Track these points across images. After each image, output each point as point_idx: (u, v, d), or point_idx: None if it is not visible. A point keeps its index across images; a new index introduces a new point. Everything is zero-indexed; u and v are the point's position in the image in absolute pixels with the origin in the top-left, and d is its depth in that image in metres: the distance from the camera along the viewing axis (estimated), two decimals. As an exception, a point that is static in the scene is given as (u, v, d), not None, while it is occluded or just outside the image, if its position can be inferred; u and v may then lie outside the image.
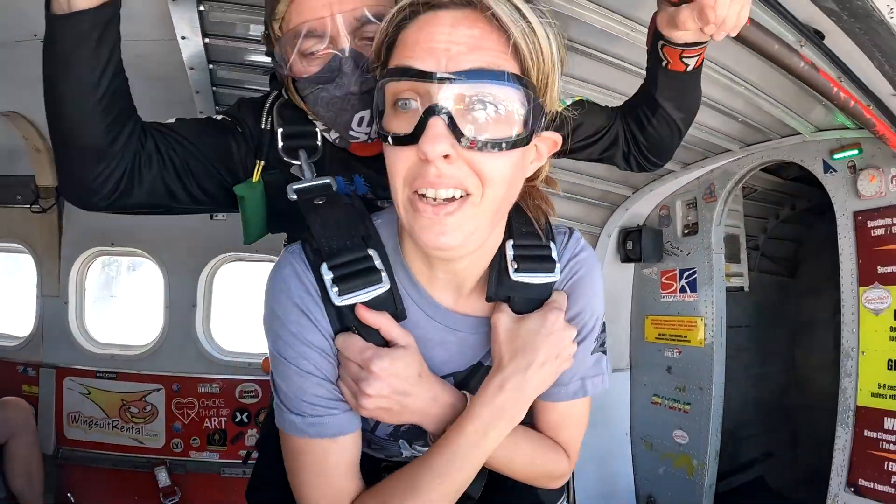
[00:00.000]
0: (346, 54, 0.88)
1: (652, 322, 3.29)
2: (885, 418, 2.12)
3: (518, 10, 0.66)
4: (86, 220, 3.25)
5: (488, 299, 0.82)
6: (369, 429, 0.88)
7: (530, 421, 0.90)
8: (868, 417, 2.18)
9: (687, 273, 3.07)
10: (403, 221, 0.72)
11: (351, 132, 0.95)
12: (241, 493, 1.19)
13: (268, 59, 1.00)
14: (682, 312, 3.09)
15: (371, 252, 0.78)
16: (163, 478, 3.33)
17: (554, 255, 0.84)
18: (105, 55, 0.78)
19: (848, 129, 2.17)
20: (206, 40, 1.84)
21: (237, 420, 3.41)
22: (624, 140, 1.16)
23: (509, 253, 0.82)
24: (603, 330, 0.90)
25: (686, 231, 3.09)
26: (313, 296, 0.77)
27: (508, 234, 0.83)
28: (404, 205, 0.71)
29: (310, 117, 1.03)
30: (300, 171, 1.00)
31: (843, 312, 2.26)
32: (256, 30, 1.80)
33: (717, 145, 2.56)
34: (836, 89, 1.52)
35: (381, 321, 0.77)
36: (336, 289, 0.75)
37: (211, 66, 2.06)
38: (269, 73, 1.11)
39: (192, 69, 2.04)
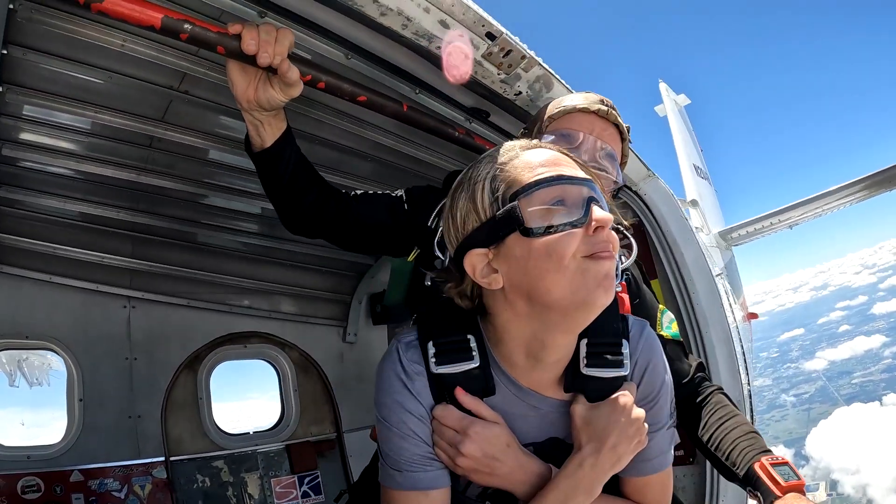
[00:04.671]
0: None
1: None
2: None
3: None
4: None
5: (566, 390, 0.97)
6: (460, 489, 0.99)
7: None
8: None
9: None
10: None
11: None
12: None
13: None
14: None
15: (469, 336, 0.95)
16: None
17: (625, 350, 0.98)
18: (286, 159, 1.32)
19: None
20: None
21: (22, 520, 2.94)
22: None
23: (582, 351, 0.96)
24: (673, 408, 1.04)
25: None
26: (416, 371, 0.94)
27: (584, 333, 0.95)
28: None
29: None
30: (441, 264, 1.10)
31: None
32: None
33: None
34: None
35: (475, 404, 0.93)
36: (434, 360, 0.93)
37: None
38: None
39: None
